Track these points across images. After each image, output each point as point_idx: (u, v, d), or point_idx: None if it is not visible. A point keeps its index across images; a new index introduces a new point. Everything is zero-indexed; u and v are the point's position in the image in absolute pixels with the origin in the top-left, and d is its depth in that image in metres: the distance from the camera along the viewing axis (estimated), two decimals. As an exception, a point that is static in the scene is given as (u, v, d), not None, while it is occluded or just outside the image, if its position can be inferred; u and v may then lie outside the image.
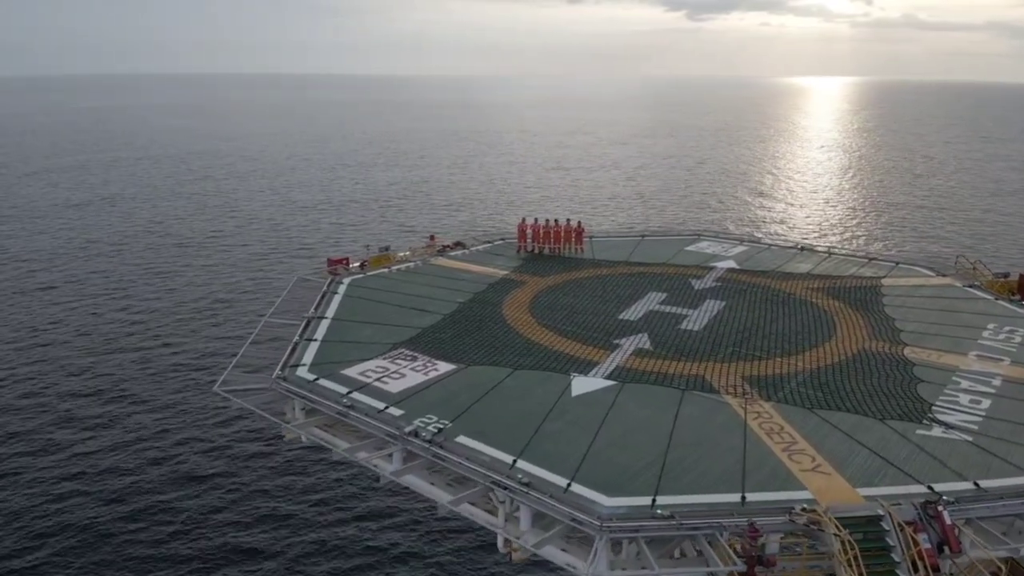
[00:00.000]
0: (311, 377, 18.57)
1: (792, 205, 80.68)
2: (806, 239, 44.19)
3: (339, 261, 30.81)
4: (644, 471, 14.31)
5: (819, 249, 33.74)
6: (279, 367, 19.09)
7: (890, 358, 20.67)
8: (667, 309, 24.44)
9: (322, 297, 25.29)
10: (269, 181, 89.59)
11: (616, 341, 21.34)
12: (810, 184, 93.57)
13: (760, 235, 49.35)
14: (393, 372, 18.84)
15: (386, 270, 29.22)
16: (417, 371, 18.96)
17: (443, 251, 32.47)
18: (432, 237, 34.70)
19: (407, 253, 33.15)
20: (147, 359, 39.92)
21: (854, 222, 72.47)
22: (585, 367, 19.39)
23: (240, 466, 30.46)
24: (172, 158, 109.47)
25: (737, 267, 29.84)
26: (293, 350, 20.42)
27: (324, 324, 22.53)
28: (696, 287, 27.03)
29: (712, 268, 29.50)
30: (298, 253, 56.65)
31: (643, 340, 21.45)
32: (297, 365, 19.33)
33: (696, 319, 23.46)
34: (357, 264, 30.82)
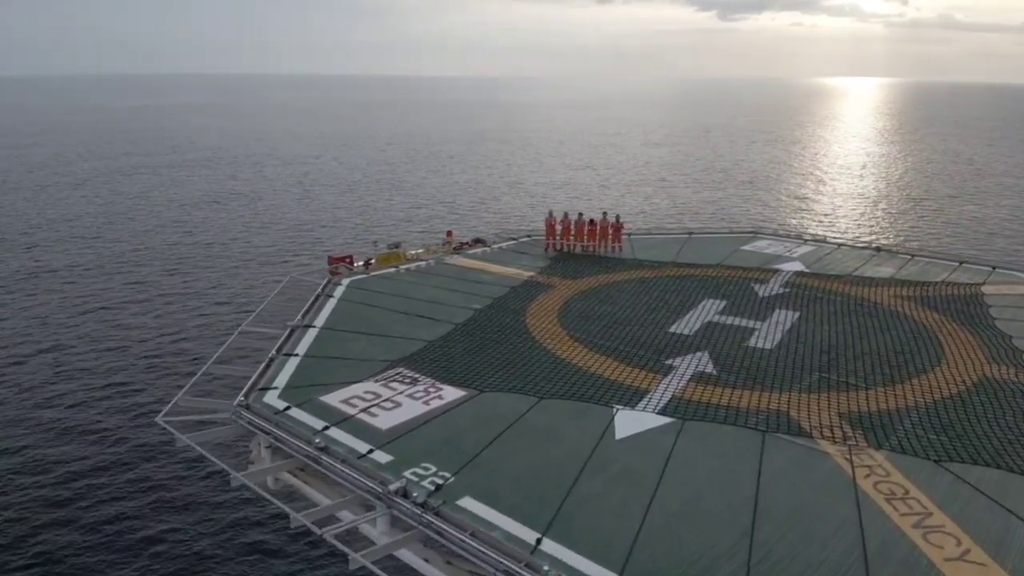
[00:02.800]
0: (281, 405, 14.58)
1: (848, 205, 74.64)
2: (862, 240, 38.76)
3: (341, 259, 26.90)
4: (725, 559, 10.02)
5: (896, 250, 29.02)
6: (243, 391, 15.14)
7: (1021, 388, 16.10)
8: (729, 321, 20.04)
9: (314, 301, 21.37)
10: (298, 179, 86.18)
11: (669, 362, 17.03)
12: (864, 185, 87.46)
13: (822, 235, 43.90)
14: (386, 400, 14.75)
15: (393, 270, 25.23)
16: (416, 399, 14.85)
17: (460, 249, 28.43)
18: (449, 233, 30.70)
19: (420, 251, 29.19)
20: (138, 372, 34.89)
21: (917, 223, 66.21)
22: (631, 397, 15.11)
23: (189, 518, 23.20)
24: (202, 157, 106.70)
25: (806, 270, 25.32)
26: (267, 368, 16.48)
27: (310, 335, 18.56)
28: (761, 294, 22.58)
29: (777, 271, 25.03)
30: (323, 254, 51.90)
31: (703, 361, 17.11)
32: (267, 388, 15.35)
33: (766, 334, 19.04)
34: (361, 263, 26.92)
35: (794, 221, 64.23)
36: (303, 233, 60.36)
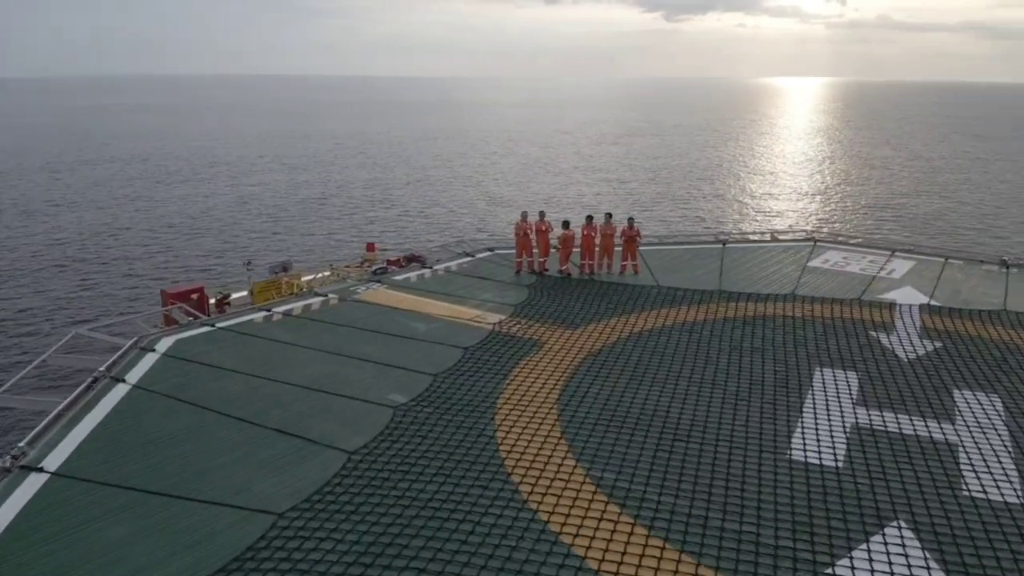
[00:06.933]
0: None
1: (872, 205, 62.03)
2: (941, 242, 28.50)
3: (184, 294, 16.64)
4: None
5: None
6: None
7: None
8: (887, 423, 10.40)
9: (86, 389, 11.07)
10: (236, 181, 71.75)
11: (830, 559, 7.33)
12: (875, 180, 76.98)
13: (894, 238, 32.04)
14: None
15: (264, 315, 15.06)
16: None
17: (384, 272, 18.38)
18: (370, 246, 20.66)
19: (325, 274, 19.13)
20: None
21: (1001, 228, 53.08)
22: None
23: None
24: (140, 159, 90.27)
25: (933, 302, 15.99)
26: None
27: (19, 497, 8.33)
28: (900, 353, 13.08)
29: (891, 305, 15.66)
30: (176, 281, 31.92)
31: (914, 556, 7.47)
32: None
33: (977, 456, 9.50)
34: (214, 300, 16.74)
35: (850, 223, 50.77)
36: (144, 255, 39.39)
